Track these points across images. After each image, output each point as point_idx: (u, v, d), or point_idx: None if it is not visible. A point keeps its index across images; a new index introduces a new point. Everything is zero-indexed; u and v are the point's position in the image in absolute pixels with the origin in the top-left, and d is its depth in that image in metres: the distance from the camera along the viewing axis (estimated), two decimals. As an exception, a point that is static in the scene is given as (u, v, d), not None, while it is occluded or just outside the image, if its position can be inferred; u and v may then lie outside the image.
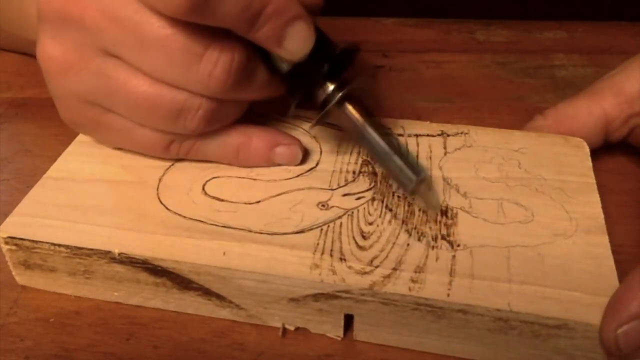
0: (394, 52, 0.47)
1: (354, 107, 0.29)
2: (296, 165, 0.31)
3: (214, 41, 0.26)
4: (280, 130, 0.32)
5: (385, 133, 0.29)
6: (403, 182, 0.29)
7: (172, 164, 0.31)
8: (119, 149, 0.32)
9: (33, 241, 0.27)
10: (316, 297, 0.26)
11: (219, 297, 0.27)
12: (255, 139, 0.31)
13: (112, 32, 0.26)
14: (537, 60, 0.46)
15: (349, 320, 0.27)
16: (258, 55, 0.28)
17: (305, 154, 0.32)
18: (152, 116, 0.28)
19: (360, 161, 0.32)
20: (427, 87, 0.43)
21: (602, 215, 0.28)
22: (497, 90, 0.43)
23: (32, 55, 0.29)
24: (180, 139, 0.30)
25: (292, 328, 0.27)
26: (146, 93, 0.27)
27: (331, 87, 0.29)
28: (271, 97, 0.30)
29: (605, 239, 0.27)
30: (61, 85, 0.29)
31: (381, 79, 0.44)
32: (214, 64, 0.26)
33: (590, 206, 0.29)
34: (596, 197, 0.29)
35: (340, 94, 0.29)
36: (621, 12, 0.42)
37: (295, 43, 0.27)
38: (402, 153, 0.29)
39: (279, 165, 0.31)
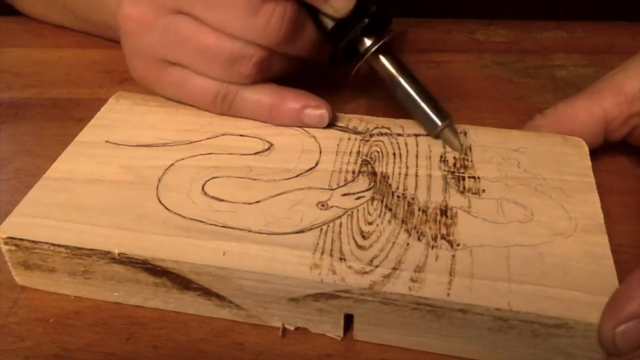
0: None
1: (387, 59, 0.33)
2: (324, 127, 0.34)
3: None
4: (310, 93, 0.34)
5: (415, 82, 0.33)
6: (429, 126, 0.33)
7: (172, 164, 0.31)
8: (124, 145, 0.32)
9: (33, 241, 0.27)
10: (316, 297, 0.26)
11: (219, 297, 0.27)
12: (288, 100, 0.34)
13: None
14: (537, 60, 0.46)
15: (349, 320, 0.27)
16: (307, 13, 0.32)
17: (306, 154, 0.32)
18: (212, 63, 0.32)
19: (359, 161, 0.32)
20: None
21: (601, 215, 0.28)
22: (497, 90, 0.43)
23: (106, 38, 0.34)
24: (225, 92, 0.33)
25: (292, 328, 0.27)
26: (208, 41, 0.32)
27: (368, 41, 0.33)
28: (316, 60, 0.35)
29: (604, 239, 0.27)
30: (136, 42, 0.33)
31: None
32: (270, 15, 0.30)
33: (589, 205, 0.29)
34: (595, 197, 0.29)
35: (375, 47, 0.33)
36: (621, 12, 0.42)
37: (339, 1, 0.31)
38: (430, 100, 0.33)
39: (308, 125, 0.34)
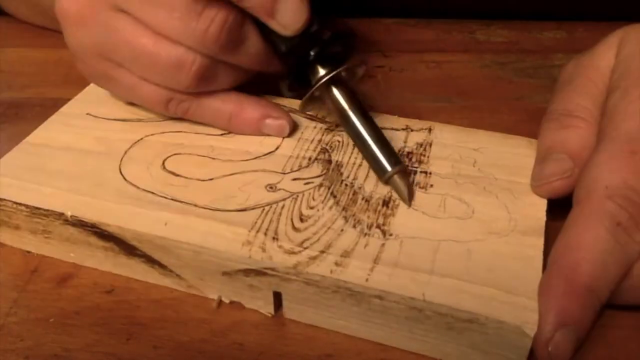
0: (394, 52, 0.47)
1: (340, 92, 0.31)
2: (284, 136, 0.33)
3: (212, 2, 0.29)
4: (271, 103, 0.34)
5: (368, 120, 0.31)
6: (378, 170, 0.30)
7: (141, 138, 0.33)
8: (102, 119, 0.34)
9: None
10: (246, 272, 0.27)
11: (161, 266, 0.29)
12: (247, 108, 0.33)
13: None
14: (537, 60, 0.45)
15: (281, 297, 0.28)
16: (253, 25, 0.30)
17: (269, 139, 0.33)
18: (152, 69, 0.31)
19: (319, 149, 0.33)
20: (427, 87, 0.43)
21: (544, 219, 0.28)
22: (497, 90, 0.43)
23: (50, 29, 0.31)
24: (179, 98, 0.32)
25: (227, 301, 0.29)
26: (148, 45, 0.30)
27: (322, 70, 0.31)
28: (267, 71, 0.33)
29: (540, 241, 0.27)
30: (76, 38, 0.32)
31: (381, 79, 0.44)
32: (210, 21, 0.29)
33: (534, 208, 0.29)
34: (543, 201, 0.29)
35: (326, 78, 0.30)
36: (621, 12, 0.41)
37: (287, 16, 0.29)
38: (382, 142, 0.30)
39: (267, 135, 0.33)
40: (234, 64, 0.31)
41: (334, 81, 0.31)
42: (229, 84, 0.32)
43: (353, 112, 0.31)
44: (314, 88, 0.30)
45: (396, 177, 0.29)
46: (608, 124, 0.28)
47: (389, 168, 0.29)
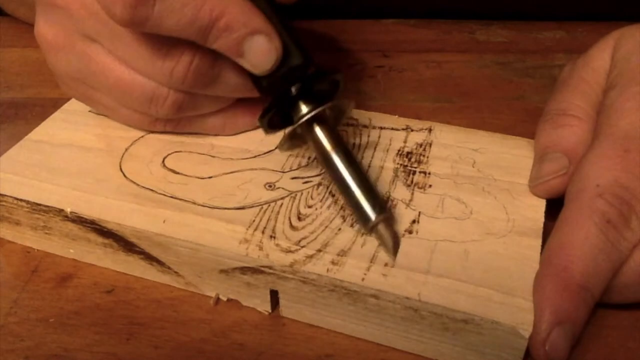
0: (394, 52, 0.47)
1: (323, 132, 0.29)
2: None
3: (179, 42, 0.28)
4: (264, 103, 0.32)
5: (352, 163, 0.28)
6: (360, 218, 0.27)
7: (142, 136, 0.33)
8: (103, 116, 0.35)
9: (0, 194, 0.30)
10: (243, 270, 0.27)
11: (160, 263, 0.29)
12: (239, 115, 0.33)
13: (91, 22, 0.29)
14: (537, 60, 0.45)
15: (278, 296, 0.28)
16: (228, 61, 0.29)
17: (269, 137, 0.33)
18: (128, 99, 0.31)
19: (318, 148, 0.33)
20: (427, 87, 0.43)
21: (542, 220, 0.28)
22: (497, 90, 0.43)
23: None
24: (163, 120, 0.32)
25: (224, 299, 0.29)
26: (121, 78, 0.30)
27: (304, 107, 0.28)
28: (251, 97, 0.31)
29: (537, 243, 0.27)
30: (55, 63, 0.32)
31: (381, 79, 0.44)
32: (176, 62, 0.28)
33: (533, 209, 0.29)
34: (542, 202, 0.29)
35: (308, 116, 0.28)
36: (621, 12, 0.41)
37: (256, 57, 0.28)
38: (366, 187, 0.28)
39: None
40: (213, 95, 0.31)
41: (318, 120, 0.28)
42: (213, 109, 0.32)
43: (336, 154, 0.28)
44: (295, 125, 0.28)
45: (380, 227, 0.27)
46: (604, 122, 0.28)
47: (372, 216, 0.27)
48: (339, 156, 0.28)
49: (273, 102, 0.29)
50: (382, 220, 0.27)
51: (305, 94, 0.29)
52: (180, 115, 0.31)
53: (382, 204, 0.27)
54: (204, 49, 0.28)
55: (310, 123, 0.29)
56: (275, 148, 0.33)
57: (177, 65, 0.28)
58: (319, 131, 0.29)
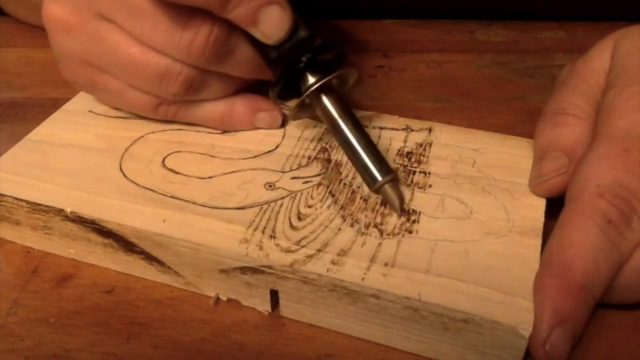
0: (394, 52, 0.47)
1: (330, 100, 0.30)
2: (277, 128, 0.34)
3: (197, 14, 0.28)
4: (261, 96, 0.34)
5: (359, 129, 0.30)
6: (368, 180, 0.29)
7: (142, 136, 0.33)
8: (103, 116, 0.35)
9: (0, 194, 0.30)
10: (243, 270, 0.27)
11: (160, 263, 0.29)
12: (238, 106, 0.33)
13: None
14: (537, 60, 0.45)
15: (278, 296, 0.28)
16: (241, 35, 0.30)
17: (269, 137, 0.33)
18: (139, 78, 0.31)
19: (318, 148, 0.33)
20: (427, 87, 0.43)
21: (542, 220, 0.28)
22: (497, 90, 0.43)
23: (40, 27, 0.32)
24: (167, 102, 0.32)
25: (224, 299, 0.29)
26: (134, 55, 0.30)
27: (311, 79, 0.30)
28: (259, 78, 0.32)
29: (537, 242, 0.27)
30: (62, 45, 0.31)
31: (381, 79, 0.44)
32: (195, 34, 0.29)
33: (533, 209, 0.29)
34: (542, 201, 0.29)
35: (315, 85, 0.30)
36: (621, 12, 0.41)
37: (270, 26, 0.28)
38: (372, 151, 0.29)
39: (261, 128, 0.34)
40: (224, 73, 0.31)
41: (325, 89, 0.30)
42: (219, 93, 0.32)
43: (343, 120, 0.30)
44: (304, 96, 0.30)
45: (387, 187, 0.28)
46: (603, 121, 0.28)
47: (379, 177, 0.28)
48: (346, 123, 0.30)
49: (283, 73, 0.30)
50: (388, 181, 0.28)
51: (312, 64, 0.30)
52: (189, 97, 0.32)
53: (387, 165, 0.29)
54: (221, 20, 0.28)
55: (317, 92, 0.30)
56: (275, 148, 0.33)
57: (196, 36, 0.29)
58: (326, 100, 0.30)
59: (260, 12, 0.28)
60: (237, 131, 0.34)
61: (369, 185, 0.29)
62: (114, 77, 0.32)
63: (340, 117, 0.30)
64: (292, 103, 0.32)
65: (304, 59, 0.30)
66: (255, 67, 0.31)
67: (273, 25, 0.28)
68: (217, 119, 0.33)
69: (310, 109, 0.32)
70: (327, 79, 0.30)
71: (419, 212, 0.29)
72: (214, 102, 0.33)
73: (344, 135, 0.30)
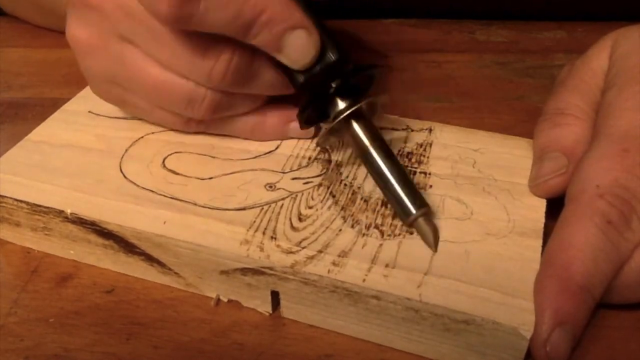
0: (394, 52, 0.47)
1: (361, 127, 0.29)
2: (310, 138, 0.33)
3: (218, 40, 0.28)
4: (293, 106, 0.32)
5: (391, 159, 0.29)
6: (401, 213, 0.28)
7: (142, 137, 0.33)
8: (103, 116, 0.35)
9: (0, 195, 0.30)
10: (244, 271, 0.27)
11: (160, 264, 0.29)
12: (270, 116, 0.32)
13: (127, 22, 0.28)
14: (537, 60, 0.45)
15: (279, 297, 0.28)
16: (265, 57, 0.29)
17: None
18: (164, 101, 0.31)
19: (319, 148, 0.33)
20: (427, 87, 0.43)
21: (542, 220, 0.28)
22: (497, 90, 0.43)
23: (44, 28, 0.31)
24: (197, 120, 0.32)
25: (225, 300, 0.29)
26: (158, 79, 0.29)
27: (341, 104, 0.29)
28: (285, 94, 0.32)
29: (538, 243, 0.27)
30: (88, 65, 0.31)
31: (381, 79, 0.44)
32: (215, 60, 0.28)
33: (533, 210, 0.29)
34: (542, 202, 0.29)
35: (346, 112, 0.28)
36: (621, 12, 0.41)
37: (295, 51, 0.28)
38: (405, 182, 0.28)
39: (293, 138, 0.33)
40: (249, 93, 0.31)
41: (355, 115, 0.29)
42: (250, 108, 0.32)
43: (375, 149, 0.29)
44: (334, 123, 0.29)
45: (421, 220, 0.27)
46: (602, 121, 0.28)
47: (413, 211, 0.27)
48: (377, 151, 0.29)
49: (311, 99, 0.29)
50: (422, 214, 0.27)
51: (342, 89, 0.29)
52: (216, 117, 0.31)
53: (421, 198, 0.28)
54: (243, 46, 0.28)
55: (348, 119, 0.29)
56: (275, 148, 0.33)
57: (216, 63, 0.28)
58: (356, 126, 0.29)
59: (284, 37, 0.27)
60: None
61: (401, 219, 0.28)
62: (141, 98, 0.31)
63: (372, 145, 0.29)
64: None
65: (333, 84, 0.29)
66: (279, 87, 0.31)
67: (299, 50, 0.28)
68: (248, 131, 0.32)
69: (338, 134, 0.31)
70: (358, 105, 0.28)
71: (420, 213, 0.29)
72: (244, 116, 0.32)
73: (375, 166, 0.29)
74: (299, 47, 0.28)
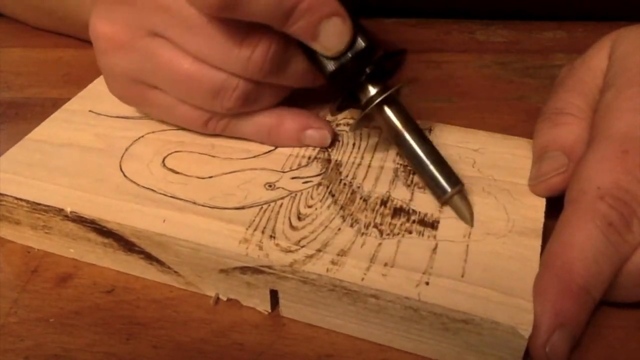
0: (394, 52, 0.47)
1: (393, 112, 0.30)
2: (326, 146, 0.33)
3: (254, 29, 0.28)
4: (311, 114, 0.33)
5: (424, 140, 0.29)
6: (436, 192, 0.29)
7: (142, 136, 0.33)
8: (103, 116, 0.35)
9: (0, 194, 0.30)
10: (243, 270, 0.27)
11: (160, 262, 0.29)
12: (287, 121, 0.32)
13: (160, 16, 0.28)
14: (537, 60, 0.45)
15: (278, 296, 0.28)
16: (297, 47, 0.29)
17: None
18: (193, 93, 0.30)
19: (318, 148, 0.33)
20: (427, 87, 0.43)
21: (542, 220, 0.28)
22: (497, 90, 0.43)
23: (83, 39, 0.31)
24: (218, 117, 0.32)
25: (224, 298, 0.29)
26: (189, 71, 0.29)
27: (372, 90, 0.30)
28: (310, 87, 0.32)
29: (537, 243, 0.27)
30: (111, 62, 0.31)
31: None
32: (253, 49, 0.28)
33: (533, 210, 0.29)
34: (542, 202, 0.29)
35: (379, 98, 0.29)
36: (621, 12, 0.41)
37: (331, 39, 0.28)
38: (439, 162, 0.29)
39: (309, 146, 0.33)
40: (279, 84, 0.31)
41: (386, 100, 0.29)
42: (272, 103, 0.32)
43: (408, 132, 0.29)
44: (368, 109, 0.29)
45: (456, 198, 0.28)
46: (601, 122, 0.28)
47: (448, 189, 0.28)
48: (411, 134, 0.29)
49: (344, 86, 0.30)
50: (457, 192, 0.28)
51: (373, 75, 0.29)
52: (243, 109, 0.31)
53: (455, 176, 0.29)
54: (279, 34, 0.28)
55: (380, 104, 0.29)
56: (275, 148, 0.33)
57: (254, 52, 0.28)
58: (388, 111, 0.30)
59: (321, 24, 0.28)
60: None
61: (437, 197, 0.29)
62: (164, 93, 0.31)
63: (405, 128, 0.29)
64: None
65: (367, 70, 0.29)
66: (310, 77, 0.31)
67: (334, 37, 0.28)
68: (265, 133, 0.32)
69: (368, 119, 0.31)
70: (391, 91, 0.29)
71: (419, 212, 0.29)
72: (263, 116, 0.32)
73: (409, 147, 0.29)
74: (335, 34, 0.28)
